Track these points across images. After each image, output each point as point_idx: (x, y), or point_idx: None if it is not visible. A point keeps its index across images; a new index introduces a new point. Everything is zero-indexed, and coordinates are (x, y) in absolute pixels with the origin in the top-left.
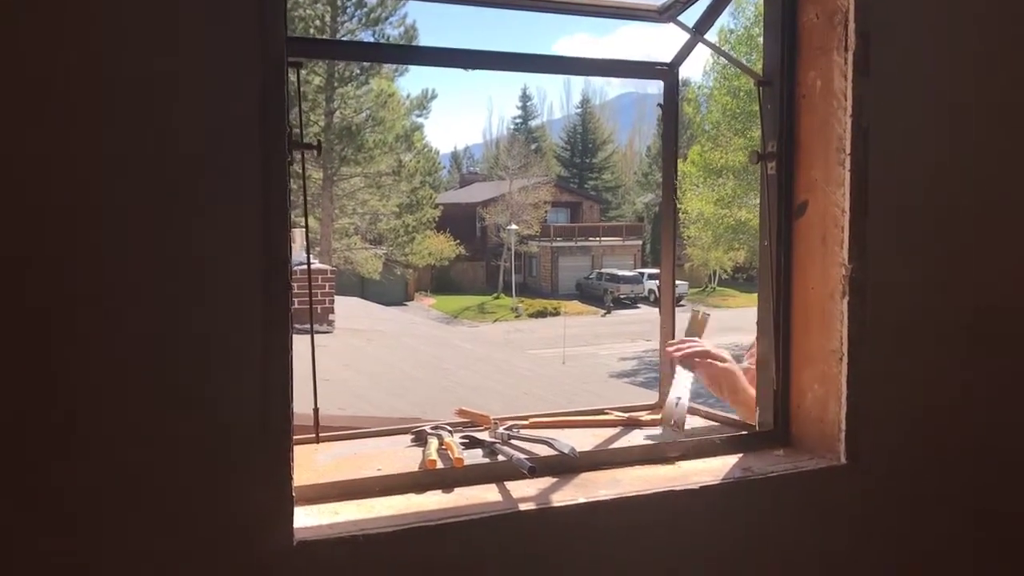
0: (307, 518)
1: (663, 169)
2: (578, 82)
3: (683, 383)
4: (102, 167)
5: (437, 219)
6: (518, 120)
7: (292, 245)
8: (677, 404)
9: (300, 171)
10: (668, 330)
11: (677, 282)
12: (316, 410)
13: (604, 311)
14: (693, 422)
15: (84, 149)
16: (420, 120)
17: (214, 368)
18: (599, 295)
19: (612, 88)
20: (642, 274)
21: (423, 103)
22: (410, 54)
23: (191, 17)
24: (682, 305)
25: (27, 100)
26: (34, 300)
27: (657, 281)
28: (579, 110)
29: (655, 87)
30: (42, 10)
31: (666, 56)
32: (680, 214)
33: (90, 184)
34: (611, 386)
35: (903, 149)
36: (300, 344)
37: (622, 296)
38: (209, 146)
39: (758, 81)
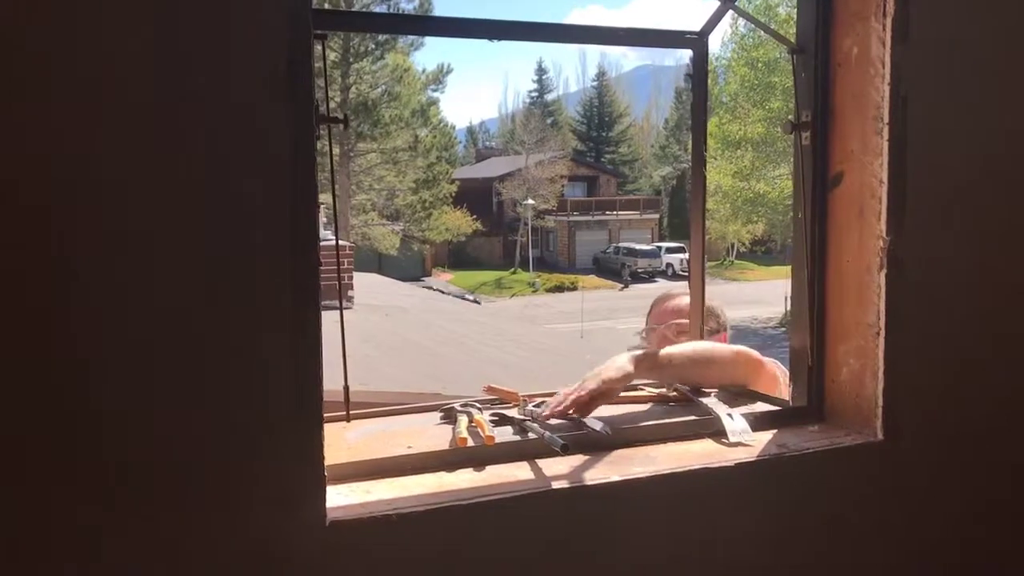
0: (339, 497)
1: (692, 140)
2: (594, 55)
3: (715, 401)
4: (130, 145)
5: (454, 194)
6: (534, 94)
7: None
8: (733, 419)
9: (327, 145)
10: (698, 303)
11: None
12: (346, 388)
13: (622, 285)
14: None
15: (113, 128)
16: (436, 95)
17: (246, 346)
18: (617, 269)
19: (628, 61)
20: (660, 248)
21: (439, 77)
22: (437, 25)
23: None
24: None
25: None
26: (67, 288)
27: (676, 255)
28: (595, 83)
29: (672, 59)
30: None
31: (680, 26)
32: None
33: (114, 161)
34: None
35: (943, 119)
36: (343, 324)
37: (640, 270)
38: (238, 121)
39: (791, 49)
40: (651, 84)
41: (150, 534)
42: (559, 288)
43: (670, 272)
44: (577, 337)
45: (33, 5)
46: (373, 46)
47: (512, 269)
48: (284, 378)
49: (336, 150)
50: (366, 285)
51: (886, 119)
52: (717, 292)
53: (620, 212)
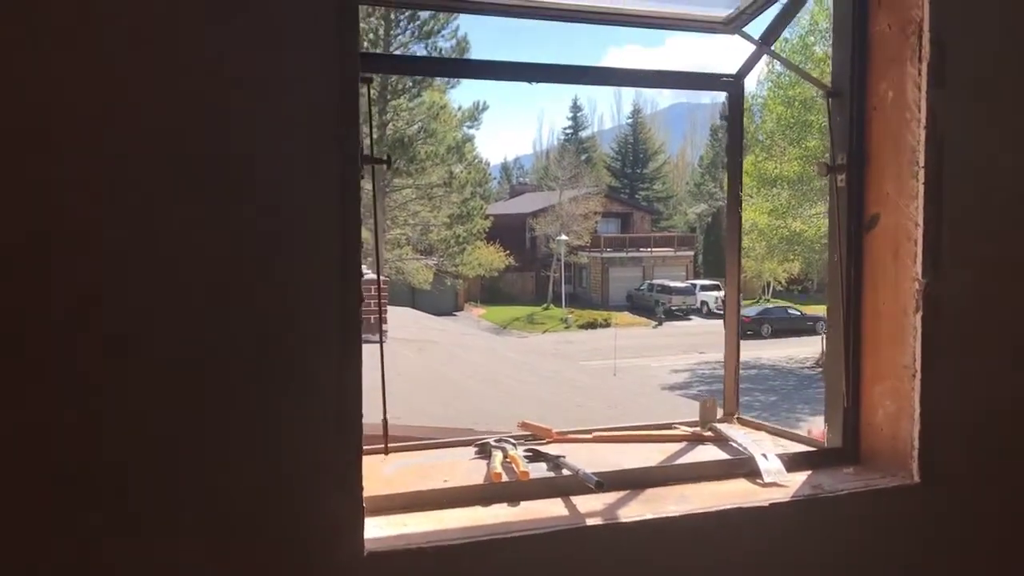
0: (376, 529)
1: (728, 180)
2: (629, 93)
3: (749, 441)
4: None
5: (487, 230)
6: (568, 131)
7: None
8: (768, 459)
9: (371, 185)
10: (733, 343)
11: None
12: (385, 421)
13: (655, 323)
14: (759, 437)
15: (183, 172)
16: (471, 131)
17: (295, 380)
18: (650, 306)
19: (663, 98)
20: (694, 285)
21: (474, 115)
22: (477, 69)
23: (274, 39)
24: None
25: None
26: (114, 326)
27: (711, 293)
28: (630, 120)
29: (708, 97)
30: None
31: (717, 65)
32: None
33: (175, 206)
34: (663, 398)
35: (979, 160)
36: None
37: (674, 308)
38: (289, 166)
39: (827, 92)
40: (687, 121)
41: (197, 566)
42: (592, 325)
43: (704, 310)
44: (610, 374)
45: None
46: (410, 83)
47: (544, 305)
48: (328, 412)
49: (370, 185)
50: (399, 319)
51: (922, 162)
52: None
53: (654, 249)
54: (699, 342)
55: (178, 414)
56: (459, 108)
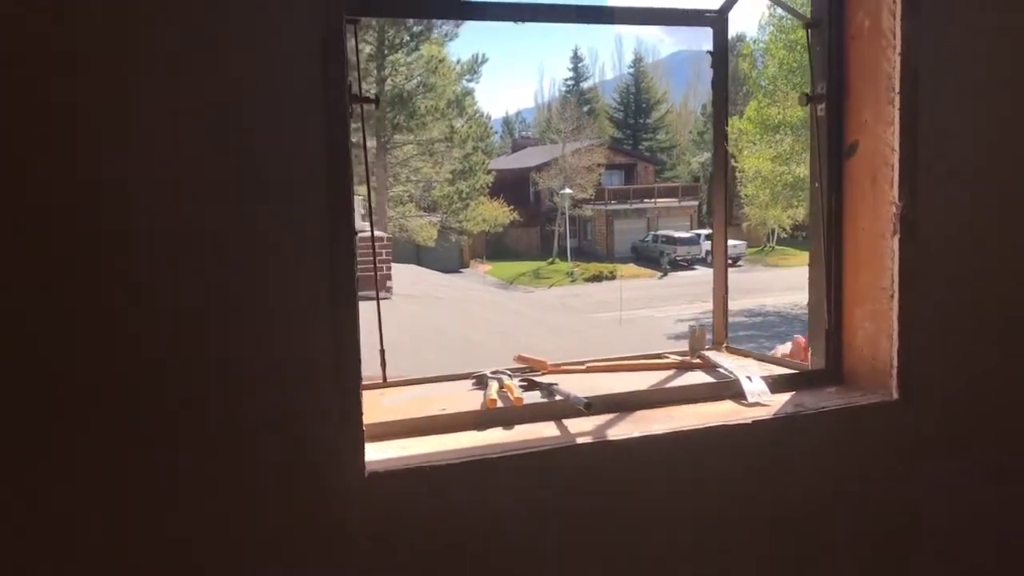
0: (377, 453)
1: (714, 121)
2: (630, 41)
3: (735, 366)
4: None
5: (490, 185)
6: (570, 82)
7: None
8: (752, 381)
9: (360, 129)
10: (720, 275)
11: (735, 242)
12: (382, 351)
13: (661, 274)
14: (746, 363)
15: (162, 112)
16: (471, 85)
17: (292, 316)
18: (655, 257)
19: (665, 46)
20: (699, 235)
21: (473, 67)
22: (461, 9)
23: None
24: (739, 266)
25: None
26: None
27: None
28: (631, 70)
29: (710, 43)
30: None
31: (704, 2)
32: (737, 173)
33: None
34: (668, 347)
35: (955, 87)
36: (361, 311)
37: (679, 258)
38: (274, 101)
39: (806, 23)
40: (689, 70)
41: (201, 483)
42: (597, 277)
43: (709, 260)
44: (615, 325)
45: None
46: (408, 38)
47: (550, 259)
48: (325, 343)
49: (372, 143)
50: (405, 276)
51: (897, 88)
52: (758, 279)
53: (658, 200)
54: (704, 291)
55: (183, 349)
56: (458, 61)
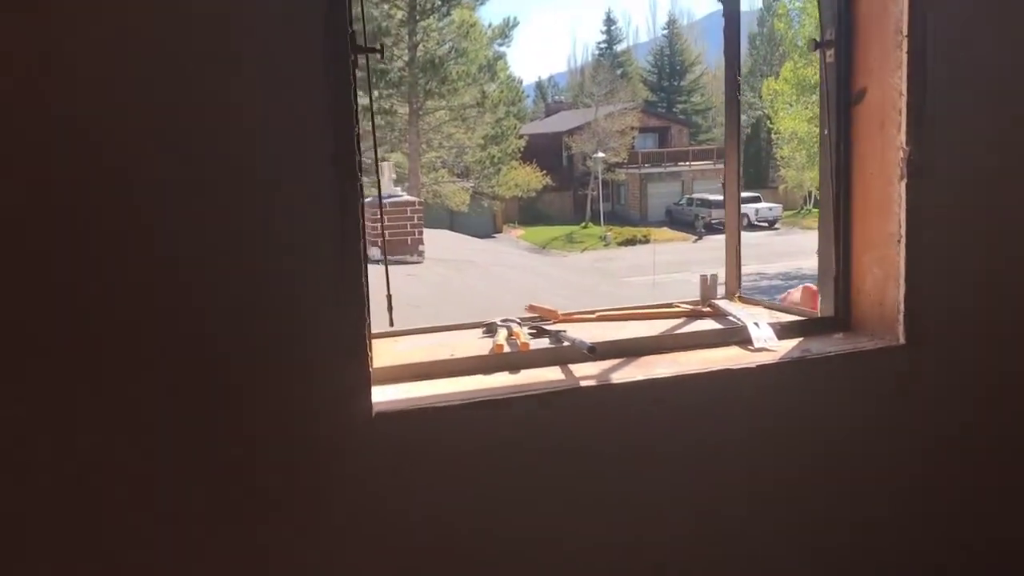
0: (385, 394)
1: (726, 63)
2: (664, 2)
3: (744, 313)
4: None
5: (522, 150)
6: (603, 45)
7: (382, 179)
8: (760, 327)
9: (382, 108)
10: (733, 226)
11: (771, 205)
12: (389, 296)
13: (695, 237)
14: (757, 311)
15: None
16: (502, 49)
17: (301, 257)
18: (690, 221)
19: (699, 8)
20: None
21: (504, 31)
22: None
23: None
24: (776, 229)
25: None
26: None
27: (751, 205)
28: (665, 32)
29: (745, 4)
30: None
31: None
32: (772, 135)
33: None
34: None
35: (965, 29)
36: (393, 275)
37: (714, 221)
38: (273, 47)
39: None
40: (724, 28)
41: (223, 421)
42: (631, 241)
43: (745, 222)
44: (649, 288)
45: None
46: (439, 2)
47: (583, 223)
48: (329, 287)
49: (405, 109)
50: (437, 240)
51: (905, 32)
52: (795, 242)
53: (693, 163)
54: (740, 254)
55: (191, 298)
56: (489, 26)
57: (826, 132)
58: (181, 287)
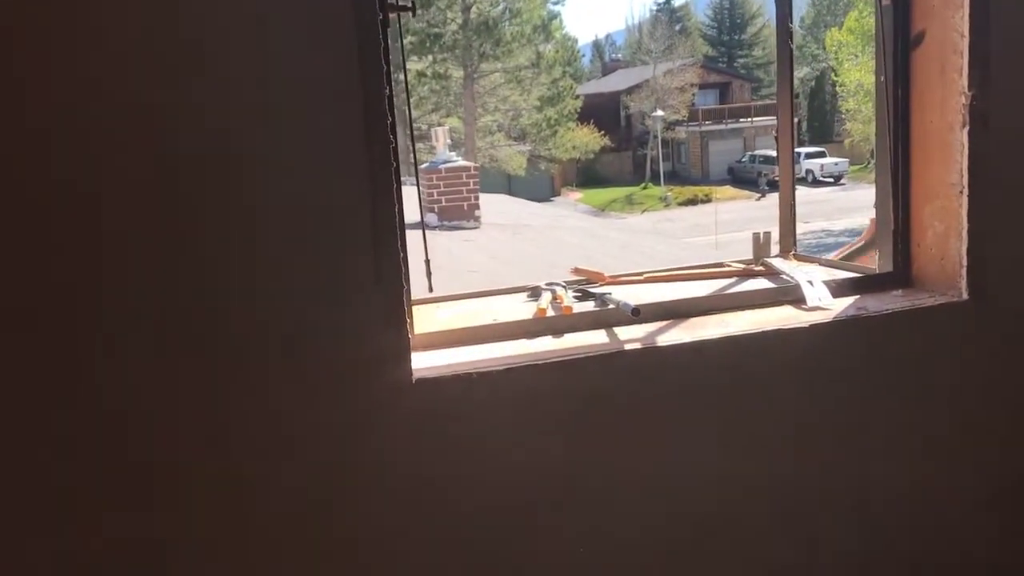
0: (426, 360)
1: (778, 29)
2: None
3: (798, 271)
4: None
5: (579, 110)
6: (660, 1)
7: (436, 143)
8: (814, 285)
9: (437, 73)
10: (788, 182)
11: (836, 159)
12: (427, 261)
13: (758, 195)
14: (812, 269)
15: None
16: (557, 8)
17: (334, 229)
18: (753, 178)
19: None
20: (799, 154)
21: None
22: None
23: None
24: (842, 184)
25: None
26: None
27: (816, 160)
28: None
29: None
30: None
31: None
32: (837, 88)
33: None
34: None
35: None
36: (450, 241)
37: (777, 178)
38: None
39: None
40: None
41: (262, 383)
42: (692, 201)
43: (810, 179)
44: (711, 249)
45: None
46: None
47: (643, 184)
48: (367, 258)
49: (460, 72)
50: (494, 205)
51: None
52: (860, 198)
53: (755, 119)
54: (803, 212)
55: (241, 273)
56: None
57: (882, 79)
58: (225, 269)
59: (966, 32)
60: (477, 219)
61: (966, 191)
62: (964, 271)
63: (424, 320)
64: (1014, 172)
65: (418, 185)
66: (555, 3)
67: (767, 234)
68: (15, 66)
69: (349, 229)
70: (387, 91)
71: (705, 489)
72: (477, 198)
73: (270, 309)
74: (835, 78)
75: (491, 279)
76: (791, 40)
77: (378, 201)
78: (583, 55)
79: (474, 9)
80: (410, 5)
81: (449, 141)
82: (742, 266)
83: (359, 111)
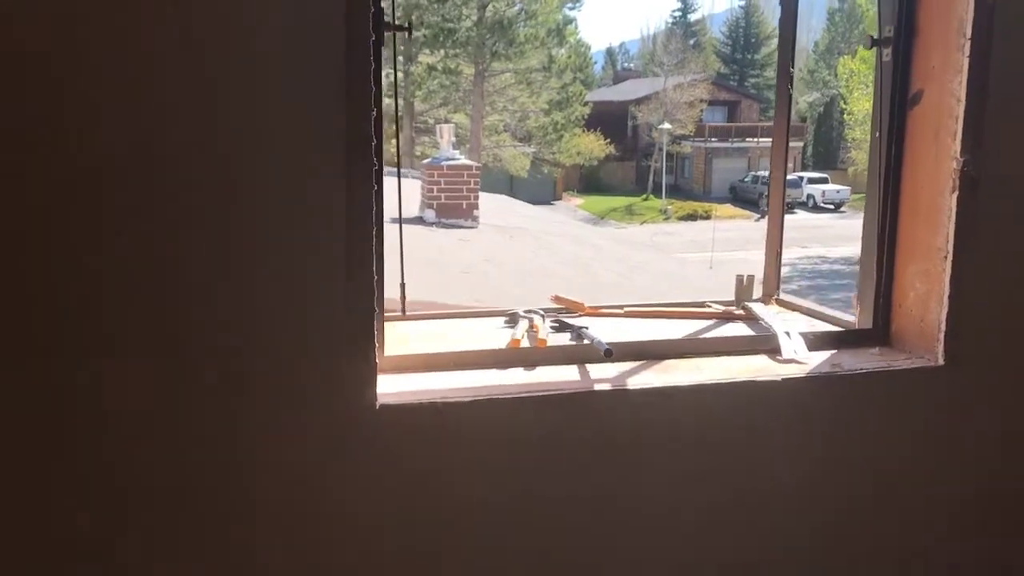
0: (392, 385)
1: (779, 61)
2: None
3: (777, 320)
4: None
5: (587, 117)
6: (677, 14)
7: (441, 140)
8: (791, 336)
9: (448, 68)
10: (776, 226)
11: (839, 187)
12: (403, 285)
13: (758, 215)
14: (792, 318)
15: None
16: (572, 13)
17: (307, 241)
18: (754, 199)
19: None
20: (801, 178)
21: None
22: None
23: None
24: (843, 211)
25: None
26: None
27: (817, 186)
28: (743, 2)
29: None
30: None
31: None
32: (845, 116)
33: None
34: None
35: None
36: (446, 239)
37: None
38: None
39: None
40: (802, 3)
41: (227, 413)
42: (691, 216)
43: (811, 203)
44: (705, 267)
45: None
46: None
47: (644, 195)
48: (339, 281)
49: (471, 70)
50: (494, 206)
51: (968, 34)
52: (857, 226)
53: (761, 139)
54: (802, 236)
55: (194, 288)
56: None
57: (877, 134)
58: (184, 278)
59: (963, 97)
60: (475, 219)
61: (951, 256)
62: (943, 336)
63: (394, 341)
64: (998, 241)
65: (400, 199)
66: (571, 8)
67: (751, 277)
68: None
69: (324, 249)
70: (374, 113)
71: (666, 539)
72: (477, 198)
73: (232, 326)
74: (844, 106)
75: (483, 281)
76: (791, 84)
77: (354, 230)
78: (595, 62)
79: (490, 7)
80: (407, 26)
81: (454, 139)
82: (722, 308)
83: (343, 144)
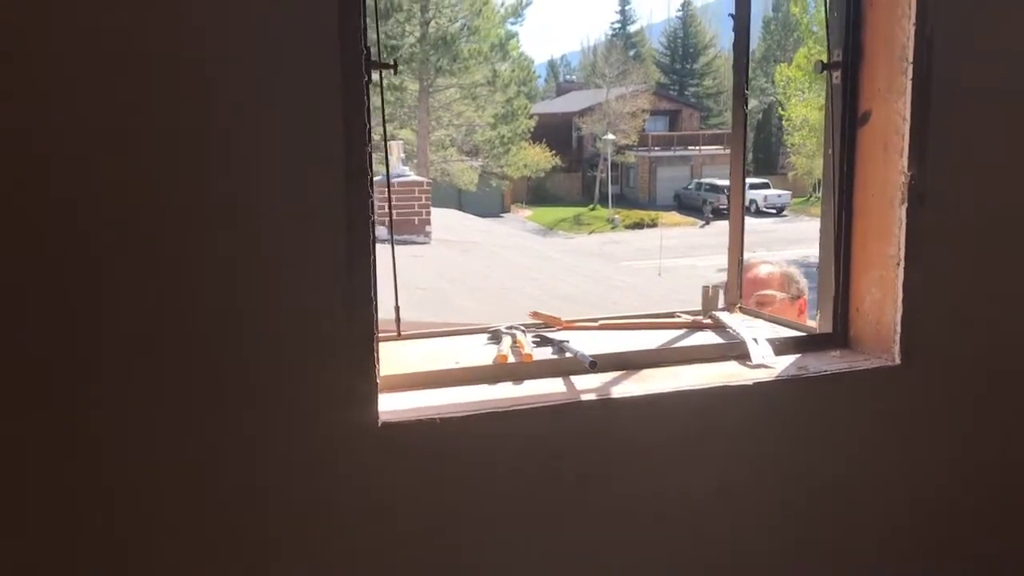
0: (392, 403)
1: (734, 70)
2: None
3: (744, 327)
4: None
5: (532, 129)
6: (616, 26)
7: (391, 157)
8: (758, 343)
9: (392, 84)
10: (736, 235)
11: (780, 192)
12: (397, 308)
13: (703, 222)
14: (757, 325)
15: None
16: (515, 28)
17: (307, 272)
18: (698, 206)
19: None
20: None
21: (518, 10)
22: None
23: None
24: (784, 215)
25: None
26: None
27: (759, 191)
28: (680, 13)
29: None
30: None
31: None
32: (784, 122)
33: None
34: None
35: (970, 58)
36: (399, 256)
37: (722, 207)
38: (288, 64)
39: None
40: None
41: (227, 433)
42: (638, 225)
43: (753, 208)
44: (654, 275)
45: None
46: None
47: (591, 205)
48: (338, 299)
49: (415, 86)
50: (444, 220)
51: (910, 58)
52: (802, 229)
53: (703, 147)
54: (747, 241)
55: (186, 300)
56: (502, 4)
57: (830, 151)
58: (185, 290)
59: (908, 116)
60: (428, 235)
61: (903, 263)
62: (898, 337)
63: (388, 360)
64: (946, 248)
65: (373, 232)
66: (513, 23)
67: (716, 288)
68: None
69: (327, 274)
70: (368, 150)
71: (657, 540)
72: (429, 213)
73: (235, 346)
74: (782, 112)
75: (438, 297)
76: (746, 106)
77: (354, 245)
78: (538, 75)
79: (432, 24)
80: (392, 63)
81: (403, 155)
82: (691, 318)
83: (340, 166)
